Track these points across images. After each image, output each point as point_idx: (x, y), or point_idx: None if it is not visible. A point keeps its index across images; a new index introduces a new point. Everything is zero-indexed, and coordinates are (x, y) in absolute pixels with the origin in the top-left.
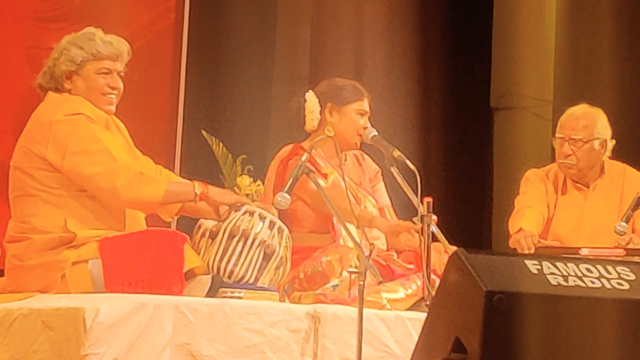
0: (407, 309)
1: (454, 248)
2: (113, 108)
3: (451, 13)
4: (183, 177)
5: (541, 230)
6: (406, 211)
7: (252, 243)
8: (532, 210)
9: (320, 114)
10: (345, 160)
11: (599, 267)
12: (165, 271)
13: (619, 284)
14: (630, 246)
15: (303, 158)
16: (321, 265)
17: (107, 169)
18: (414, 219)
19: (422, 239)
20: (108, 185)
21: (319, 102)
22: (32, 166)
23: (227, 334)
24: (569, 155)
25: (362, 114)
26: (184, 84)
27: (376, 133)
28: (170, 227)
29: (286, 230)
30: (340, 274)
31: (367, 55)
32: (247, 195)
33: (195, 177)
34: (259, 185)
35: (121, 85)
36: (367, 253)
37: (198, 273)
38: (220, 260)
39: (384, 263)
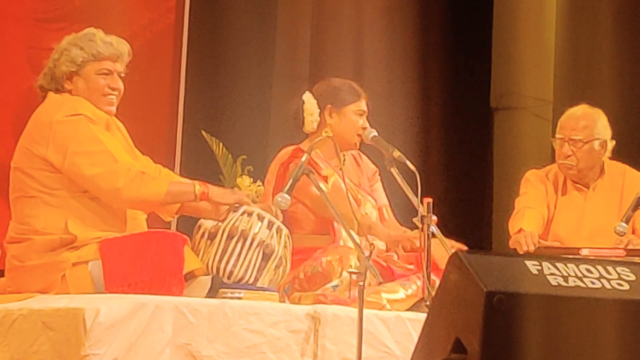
0: (407, 310)
1: (456, 244)
2: (113, 109)
3: (451, 13)
4: (183, 178)
5: (541, 230)
6: (406, 212)
7: (251, 243)
8: (532, 211)
9: (320, 115)
10: (344, 160)
11: (599, 267)
12: (165, 272)
13: (619, 284)
14: (630, 247)
15: (303, 159)
16: (321, 265)
17: (108, 170)
18: (414, 219)
19: (422, 240)
20: (109, 186)
21: (318, 103)
22: (33, 167)
23: (227, 334)
24: (569, 155)
25: (360, 114)
26: (184, 84)
27: (376, 133)
28: (170, 227)
29: (285, 230)
30: (341, 274)
31: (367, 55)
32: (247, 195)
33: (195, 178)
34: (259, 185)
35: (121, 86)
36: (367, 254)
37: (198, 274)
38: (220, 261)
39: (384, 264)
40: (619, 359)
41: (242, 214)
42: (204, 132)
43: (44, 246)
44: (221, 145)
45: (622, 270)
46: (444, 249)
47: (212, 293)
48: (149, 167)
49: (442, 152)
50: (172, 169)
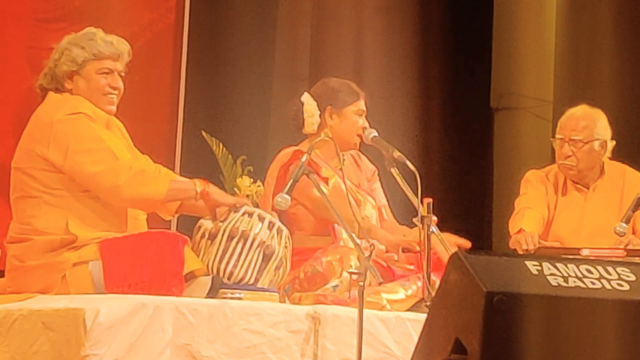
0: (407, 310)
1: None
2: (114, 108)
3: (451, 13)
4: (183, 178)
5: (541, 231)
6: (406, 212)
7: (252, 244)
8: (533, 211)
9: (320, 117)
10: (343, 160)
11: (599, 268)
12: (165, 273)
13: (619, 284)
14: (630, 247)
15: (303, 159)
16: (321, 265)
17: (109, 168)
18: (414, 219)
19: (422, 241)
20: (110, 184)
21: (318, 105)
22: (34, 167)
23: (227, 334)
24: (569, 156)
25: (360, 114)
26: (184, 84)
27: (376, 134)
28: (170, 227)
29: (285, 231)
30: (341, 274)
31: (367, 55)
32: (247, 196)
33: (195, 178)
34: (259, 186)
35: (122, 85)
36: (367, 254)
37: (198, 275)
38: (220, 262)
39: (384, 264)
40: (619, 359)
41: (243, 214)
42: (204, 133)
43: (45, 246)
44: (221, 145)
45: (622, 270)
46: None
47: (212, 293)
48: (149, 167)
49: (442, 152)
50: (172, 169)
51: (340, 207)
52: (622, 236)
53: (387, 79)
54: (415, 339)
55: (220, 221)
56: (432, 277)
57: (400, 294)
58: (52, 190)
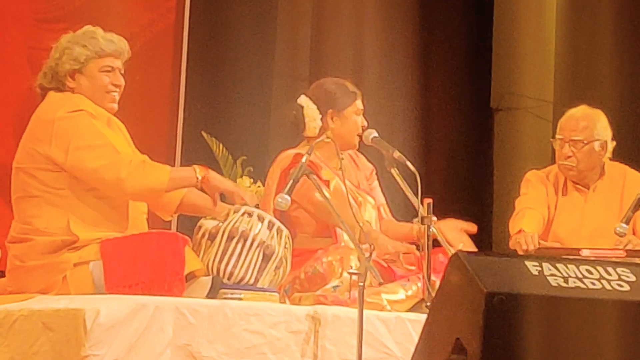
0: (407, 310)
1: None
2: (115, 106)
3: (451, 13)
4: None
5: (541, 231)
6: (406, 212)
7: (252, 244)
8: (533, 212)
9: (322, 120)
10: (342, 160)
11: (599, 268)
12: (166, 273)
13: (619, 285)
14: (630, 247)
15: (303, 160)
16: (322, 265)
17: (110, 162)
18: (414, 220)
19: (422, 241)
20: (113, 177)
21: (318, 108)
22: (36, 167)
23: (227, 335)
24: (569, 156)
25: (359, 113)
26: (184, 84)
27: (377, 134)
28: (170, 227)
29: (285, 231)
30: (341, 274)
31: (367, 55)
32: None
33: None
34: (259, 186)
35: (123, 81)
36: (367, 254)
37: (198, 275)
38: (220, 262)
39: (384, 264)
40: (619, 359)
41: (243, 214)
42: (204, 133)
43: (46, 247)
44: (221, 146)
45: (623, 271)
46: (453, 235)
47: (213, 294)
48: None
49: (442, 152)
50: None
51: (342, 210)
52: (622, 237)
53: (387, 79)
54: (416, 340)
55: (220, 220)
56: (433, 277)
57: (401, 295)
58: (54, 189)
